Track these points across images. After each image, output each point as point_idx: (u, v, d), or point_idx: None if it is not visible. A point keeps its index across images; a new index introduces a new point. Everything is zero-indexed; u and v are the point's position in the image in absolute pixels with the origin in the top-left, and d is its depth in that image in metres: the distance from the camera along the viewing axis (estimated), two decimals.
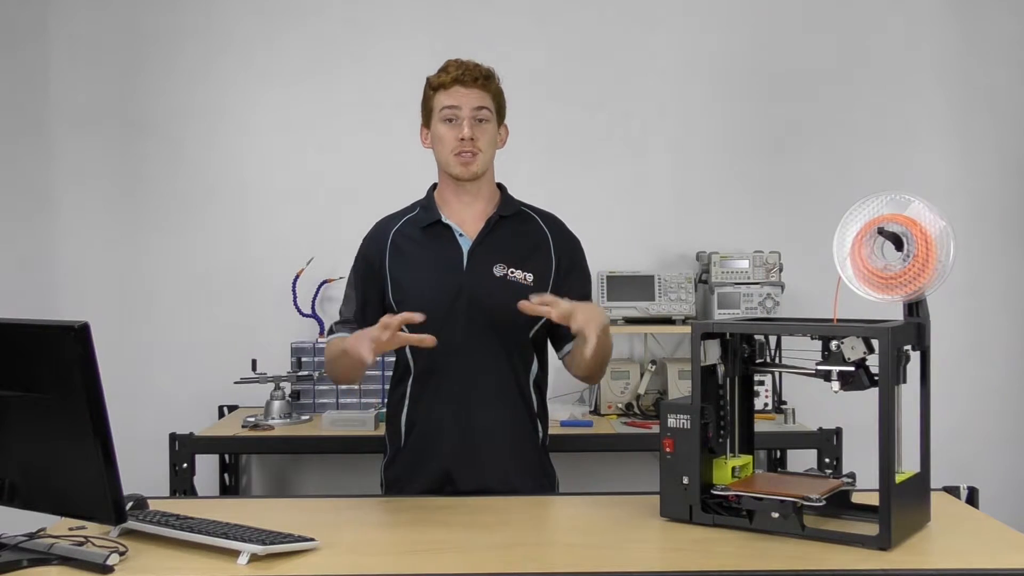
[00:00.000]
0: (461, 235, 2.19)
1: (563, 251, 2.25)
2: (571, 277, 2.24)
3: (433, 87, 2.18)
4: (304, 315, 3.71)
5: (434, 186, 2.29)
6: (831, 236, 1.77)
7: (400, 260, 2.21)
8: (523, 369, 2.20)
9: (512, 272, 2.17)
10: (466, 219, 2.21)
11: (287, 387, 3.42)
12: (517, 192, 2.33)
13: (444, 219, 2.20)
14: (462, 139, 2.13)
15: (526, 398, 2.20)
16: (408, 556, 1.64)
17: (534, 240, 2.23)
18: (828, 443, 3.17)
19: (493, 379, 2.16)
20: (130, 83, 3.80)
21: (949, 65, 3.82)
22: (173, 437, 3.12)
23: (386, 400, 2.31)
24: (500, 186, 2.29)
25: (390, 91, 3.77)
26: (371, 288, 2.22)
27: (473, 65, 2.17)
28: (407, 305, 2.12)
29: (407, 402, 2.20)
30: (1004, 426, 3.82)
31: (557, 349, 2.28)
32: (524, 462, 2.20)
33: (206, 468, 3.51)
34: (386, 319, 1.92)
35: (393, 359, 2.29)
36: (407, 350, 2.18)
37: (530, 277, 2.18)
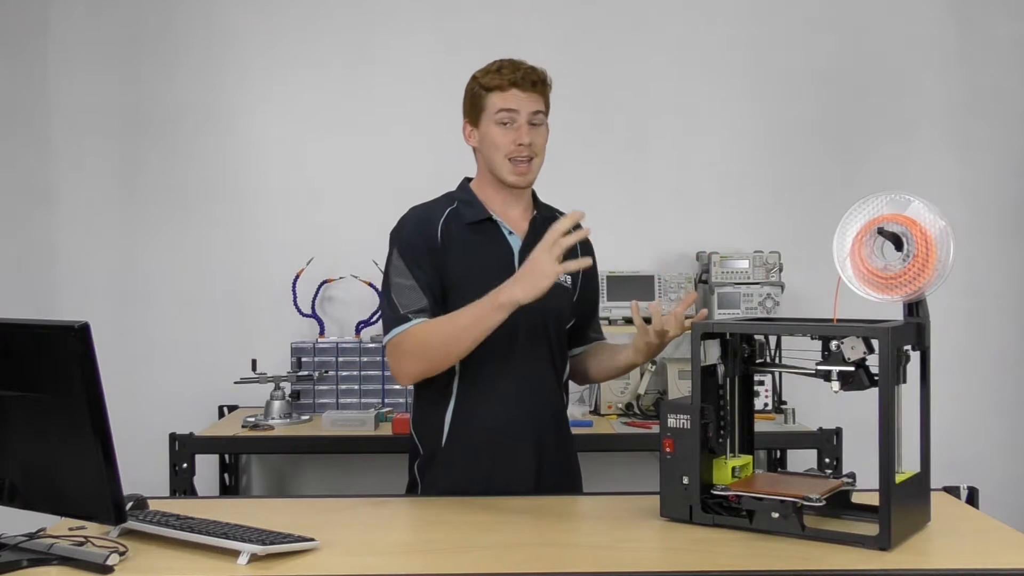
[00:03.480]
0: (511, 233, 2.18)
1: (585, 253, 2.26)
2: (589, 280, 2.33)
3: (486, 88, 2.14)
4: (304, 315, 3.71)
5: (466, 180, 2.26)
6: (831, 236, 1.77)
7: (452, 253, 2.14)
8: (562, 369, 2.24)
9: None
10: (511, 217, 2.20)
11: (287, 387, 3.42)
12: None
13: (495, 216, 2.18)
14: (520, 144, 2.12)
15: (563, 398, 2.25)
16: (408, 556, 1.64)
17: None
18: (828, 443, 3.17)
19: (540, 379, 2.18)
20: (130, 83, 3.80)
21: (949, 65, 3.82)
22: (173, 437, 3.11)
23: (414, 399, 2.25)
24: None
25: (391, 92, 3.77)
26: (431, 272, 2.12)
27: (529, 68, 2.15)
28: (458, 301, 2.08)
29: (453, 402, 2.15)
30: (1004, 426, 3.82)
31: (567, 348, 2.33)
32: (565, 461, 2.25)
33: (206, 468, 3.51)
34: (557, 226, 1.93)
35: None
36: None
37: (568, 279, 2.23)
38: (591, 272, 2.33)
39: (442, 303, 2.11)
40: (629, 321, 3.54)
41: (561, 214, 2.29)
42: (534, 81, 2.14)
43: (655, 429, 3.04)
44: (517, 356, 2.14)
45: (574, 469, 2.30)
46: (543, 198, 2.34)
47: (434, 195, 2.27)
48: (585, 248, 2.31)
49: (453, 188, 2.26)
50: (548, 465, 2.18)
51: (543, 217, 2.22)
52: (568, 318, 2.26)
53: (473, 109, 2.18)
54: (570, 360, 2.32)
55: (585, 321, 2.34)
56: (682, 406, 1.76)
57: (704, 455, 1.76)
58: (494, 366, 2.13)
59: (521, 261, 2.13)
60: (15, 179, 3.81)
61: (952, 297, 3.62)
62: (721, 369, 1.82)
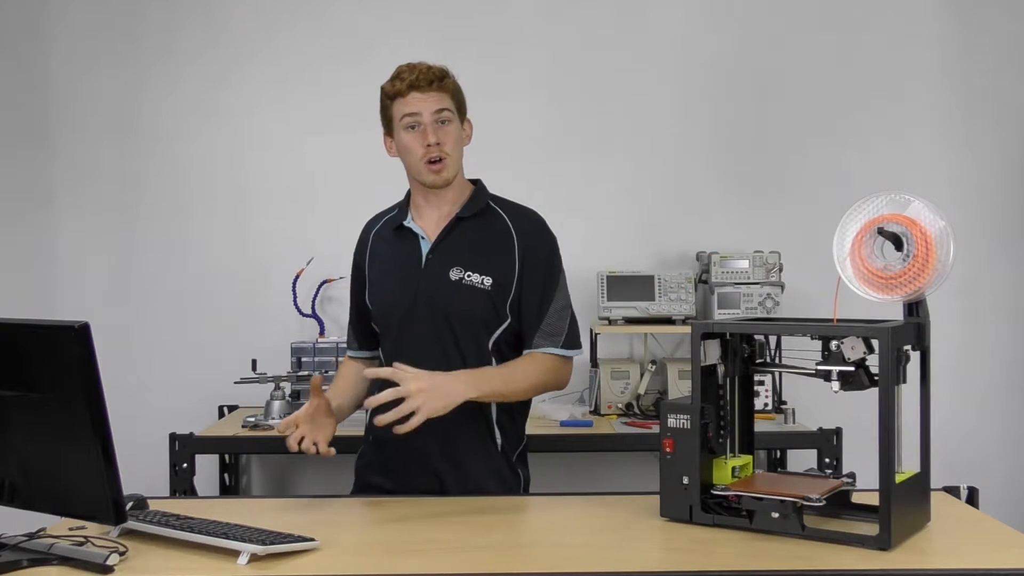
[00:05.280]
0: (423, 238, 2.18)
1: (528, 251, 2.15)
2: (530, 277, 2.14)
3: (389, 96, 2.15)
4: (304, 315, 3.71)
5: None
6: (831, 236, 1.77)
7: (374, 261, 2.25)
8: None
9: (468, 276, 2.11)
10: (430, 221, 2.20)
11: (287, 387, 3.42)
12: (516, 192, 2.31)
13: (407, 222, 2.21)
14: (428, 145, 2.11)
15: (483, 405, 2.12)
16: (408, 556, 1.64)
17: (497, 241, 2.15)
18: (828, 443, 3.16)
19: None
20: (130, 83, 3.81)
21: (948, 65, 3.82)
22: (173, 437, 3.11)
23: None
24: (476, 182, 2.25)
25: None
26: (358, 288, 2.28)
27: (426, 68, 2.13)
28: (374, 307, 2.22)
29: None
30: (1004, 426, 3.82)
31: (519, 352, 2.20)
32: (479, 467, 2.15)
33: (206, 468, 3.52)
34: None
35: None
36: (381, 351, 2.26)
37: (488, 281, 2.11)
38: (537, 266, 2.15)
39: (369, 309, 2.24)
40: (629, 321, 3.55)
41: (505, 208, 2.21)
42: (431, 80, 2.11)
43: (655, 429, 3.04)
44: (422, 359, 2.07)
45: (492, 483, 2.15)
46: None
47: None
48: (534, 240, 2.18)
49: None
50: (457, 474, 2.13)
51: (459, 218, 2.17)
52: (491, 320, 2.13)
53: (385, 120, 2.20)
54: None
55: (525, 325, 2.16)
56: (682, 406, 1.76)
57: (704, 455, 1.76)
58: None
59: (427, 264, 2.15)
60: (15, 179, 3.81)
61: (950, 297, 3.62)
62: (721, 369, 1.82)
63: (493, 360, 2.15)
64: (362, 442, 2.30)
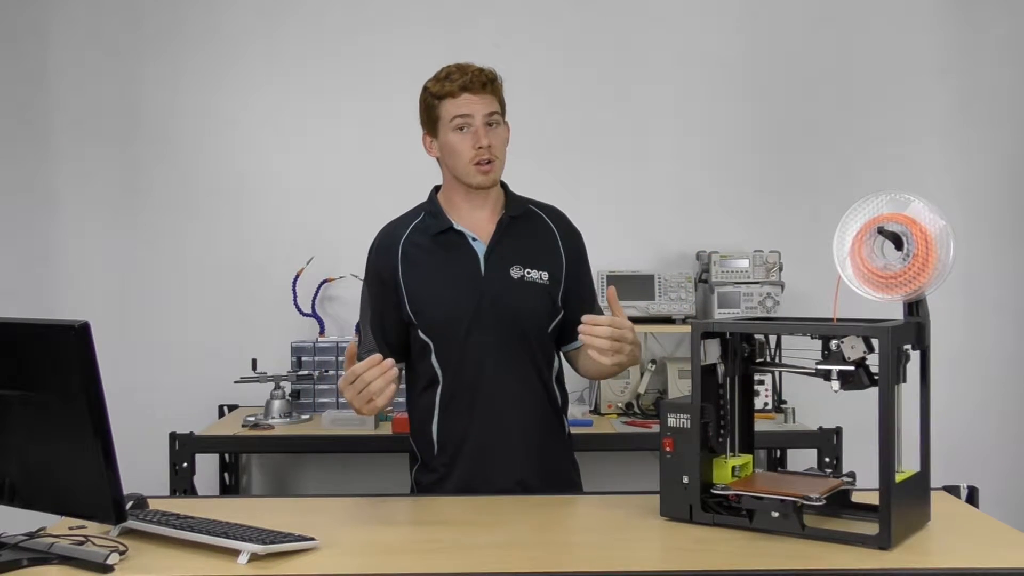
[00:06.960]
0: (475, 240, 2.18)
1: (569, 246, 2.27)
2: (578, 271, 2.28)
3: (437, 96, 2.14)
4: (304, 315, 3.71)
5: (435, 189, 2.28)
6: (831, 236, 1.77)
7: (414, 271, 2.18)
8: (547, 366, 2.21)
9: (528, 272, 2.17)
10: (477, 223, 2.20)
11: (287, 387, 3.43)
12: (517, 191, 2.32)
13: (456, 225, 2.19)
14: (480, 148, 2.11)
15: (551, 395, 2.22)
16: (408, 556, 1.64)
17: (543, 238, 2.25)
18: (828, 443, 3.17)
19: (521, 381, 2.16)
20: (130, 83, 3.81)
21: (949, 65, 3.82)
22: (173, 437, 3.12)
23: (408, 409, 2.28)
24: (502, 184, 2.28)
25: (390, 90, 3.76)
26: (386, 301, 2.19)
27: (477, 70, 2.13)
28: (427, 316, 2.14)
29: (437, 411, 2.18)
30: (1004, 426, 3.82)
31: (560, 344, 2.29)
32: (556, 457, 2.23)
33: (206, 468, 3.52)
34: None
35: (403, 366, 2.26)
36: (433, 358, 2.16)
37: (545, 275, 2.19)
38: (580, 260, 2.29)
39: (401, 327, 2.18)
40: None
41: (538, 207, 2.29)
42: (484, 83, 2.12)
43: (655, 428, 3.05)
44: (493, 360, 2.13)
45: (568, 467, 2.27)
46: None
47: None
48: (571, 235, 2.30)
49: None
50: (539, 467, 2.17)
51: (511, 217, 2.21)
52: (551, 313, 2.21)
53: (429, 120, 2.18)
54: (567, 355, 2.31)
55: (576, 316, 2.26)
56: (682, 405, 1.76)
57: (704, 454, 1.76)
58: (472, 373, 2.14)
59: (487, 266, 2.15)
60: (16, 179, 3.81)
61: (950, 297, 3.62)
62: (721, 368, 1.82)
63: (554, 351, 2.24)
64: (420, 456, 2.23)
